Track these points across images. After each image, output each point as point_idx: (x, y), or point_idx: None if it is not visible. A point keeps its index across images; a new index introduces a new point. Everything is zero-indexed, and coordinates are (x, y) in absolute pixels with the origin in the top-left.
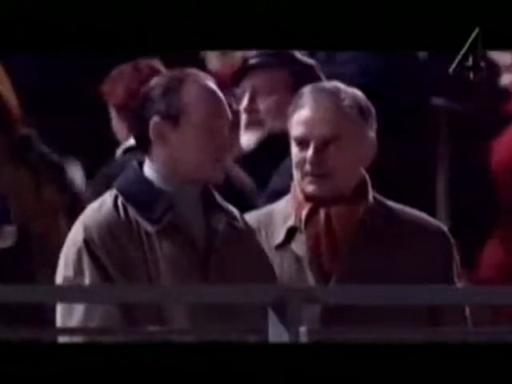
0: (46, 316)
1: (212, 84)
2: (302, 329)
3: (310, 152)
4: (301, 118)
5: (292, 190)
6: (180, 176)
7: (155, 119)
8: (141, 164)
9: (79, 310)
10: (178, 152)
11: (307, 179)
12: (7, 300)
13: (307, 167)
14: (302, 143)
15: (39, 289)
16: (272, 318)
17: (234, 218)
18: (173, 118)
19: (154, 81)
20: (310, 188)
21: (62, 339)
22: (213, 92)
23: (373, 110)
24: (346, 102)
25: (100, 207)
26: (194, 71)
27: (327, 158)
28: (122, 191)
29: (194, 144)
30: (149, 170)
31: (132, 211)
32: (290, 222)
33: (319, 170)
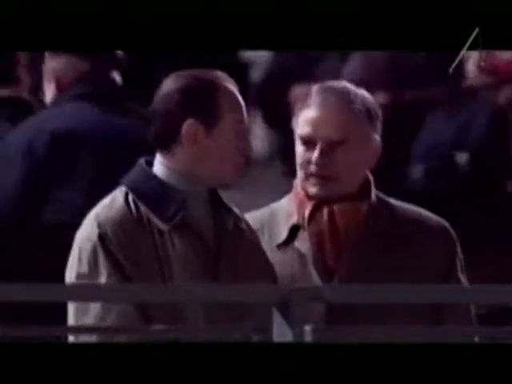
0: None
1: (236, 89)
2: (307, 328)
3: (315, 153)
4: (308, 117)
5: (294, 188)
6: (198, 178)
7: (191, 121)
8: (148, 162)
9: (95, 307)
10: (205, 155)
11: (311, 180)
12: (21, 299)
13: (312, 168)
14: (308, 143)
15: (53, 288)
16: (276, 317)
17: (239, 218)
18: (209, 122)
19: (185, 81)
20: (313, 189)
21: (73, 338)
22: (240, 99)
23: (380, 113)
24: (355, 105)
25: (112, 203)
26: (219, 74)
27: (333, 160)
28: (131, 189)
29: (224, 149)
30: (162, 169)
31: (144, 208)
32: (293, 220)
33: (324, 172)
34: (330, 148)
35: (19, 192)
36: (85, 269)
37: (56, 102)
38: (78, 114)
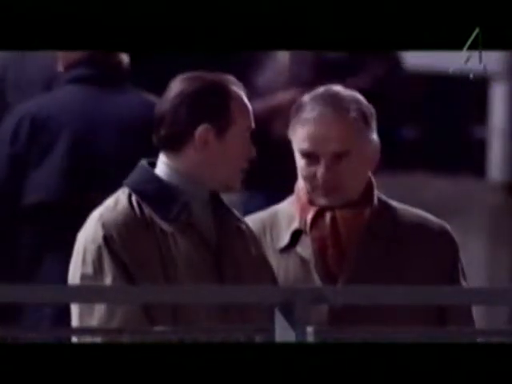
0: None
1: (243, 92)
2: (309, 329)
3: (321, 168)
4: (307, 133)
5: (296, 191)
6: (204, 180)
7: (205, 125)
8: (150, 163)
9: (100, 310)
10: (213, 159)
11: (319, 192)
12: (23, 300)
13: (318, 181)
14: (310, 158)
15: (56, 289)
16: (278, 317)
17: (238, 219)
18: (221, 126)
19: (197, 83)
20: (321, 200)
21: (76, 339)
22: (247, 102)
23: (373, 111)
24: (351, 113)
25: (115, 205)
26: (229, 77)
27: (338, 172)
28: (135, 190)
29: (232, 154)
30: (166, 170)
31: (147, 209)
32: (295, 225)
33: (331, 184)
34: (335, 161)
35: (1, 175)
36: (89, 270)
37: (56, 84)
38: (65, 97)
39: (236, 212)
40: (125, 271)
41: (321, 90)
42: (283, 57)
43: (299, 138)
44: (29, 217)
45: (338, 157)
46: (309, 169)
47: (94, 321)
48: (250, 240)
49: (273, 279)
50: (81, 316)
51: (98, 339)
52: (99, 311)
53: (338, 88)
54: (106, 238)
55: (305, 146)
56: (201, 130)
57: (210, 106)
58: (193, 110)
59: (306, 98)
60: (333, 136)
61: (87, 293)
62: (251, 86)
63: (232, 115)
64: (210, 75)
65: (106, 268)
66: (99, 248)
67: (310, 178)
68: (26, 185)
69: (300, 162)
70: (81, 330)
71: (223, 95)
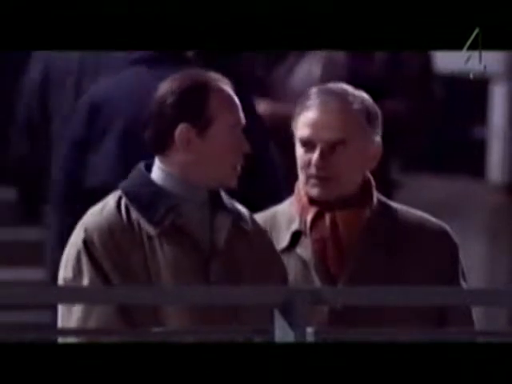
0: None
1: (231, 89)
2: (309, 329)
3: (315, 155)
4: (308, 119)
5: (296, 192)
6: (196, 181)
7: (184, 125)
8: (147, 166)
9: (77, 310)
10: (200, 158)
11: (311, 182)
12: (7, 302)
13: (312, 170)
14: (308, 145)
15: (38, 290)
16: (278, 318)
17: (241, 218)
18: (201, 125)
19: (177, 83)
20: (313, 191)
21: (60, 340)
22: (234, 99)
23: (379, 114)
24: (354, 106)
25: (102, 209)
26: (213, 75)
27: (333, 161)
28: (126, 192)
29: (218, 152)
30: (159, 173)
31: (135, 213)
32: (295, 226)
33: (324, 173)
34: (330, 149)
35: (66, 156)
36: (69, 274)
37: (123, 66)
38: (127, 79)
39: (242, 210)
40: (103, 277)
41: (330, 84)
42: (315, 60)
43: (300, 125)
44: (91, 201)
45: (334, 145)
46: (305, 157)
47: (72, 323)
48: (255, 239)
49: (284, 276)
50: (62, 318)
51: (86, 339)
52: (76, 313)
53: (346, 85)
54: (86, 243)
55: (304, 132)
56: (180, 130)
57: (189, 105)
58: (173, 110)
59: (313, 89)
60: (332, 124)
61: (72, 294)
62: (282, 86)
63: (214, 112)
64: (193, 74)
65: (85, 273)
66: (79, 252)
67: (306, 167)
68: (83, 167)
69: (299, 151)
70: (61, 331)
71: (202, 93)
